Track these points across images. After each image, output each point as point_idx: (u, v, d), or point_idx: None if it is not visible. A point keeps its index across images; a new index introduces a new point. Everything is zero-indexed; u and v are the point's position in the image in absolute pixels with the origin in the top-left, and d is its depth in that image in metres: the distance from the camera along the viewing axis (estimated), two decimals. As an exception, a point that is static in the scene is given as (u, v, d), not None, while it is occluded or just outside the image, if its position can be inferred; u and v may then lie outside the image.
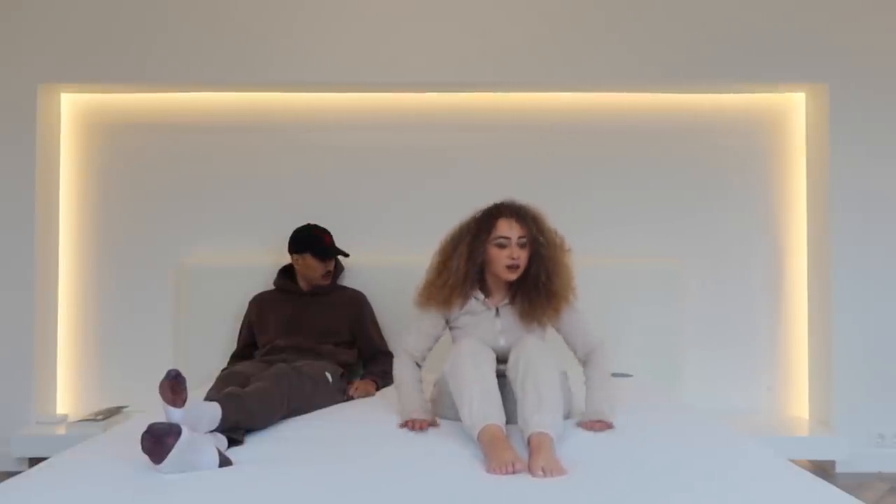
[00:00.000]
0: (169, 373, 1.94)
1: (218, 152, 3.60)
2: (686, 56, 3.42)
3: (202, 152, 3.60)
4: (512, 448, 1.89)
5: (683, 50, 3.42)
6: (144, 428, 1.81)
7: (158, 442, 1.78)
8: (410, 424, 2.25)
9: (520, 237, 2.38)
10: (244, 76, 3.43)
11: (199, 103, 3.59)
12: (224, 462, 1.85)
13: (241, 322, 3.28)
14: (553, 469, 1.78)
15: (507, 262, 2.37)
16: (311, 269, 3.16)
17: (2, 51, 3.41)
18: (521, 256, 2.38)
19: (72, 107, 3.60)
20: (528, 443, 1.92)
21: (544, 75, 3.44)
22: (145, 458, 1.80)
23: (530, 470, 1.80)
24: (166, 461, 1.77)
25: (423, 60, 3.42)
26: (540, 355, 2.19)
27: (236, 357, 3.19)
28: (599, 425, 2.20)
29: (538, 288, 2.39)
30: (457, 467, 1.86)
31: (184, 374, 1.98)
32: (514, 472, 1.78)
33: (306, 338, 3.03)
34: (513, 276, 2.40)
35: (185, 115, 3.60)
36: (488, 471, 1.81)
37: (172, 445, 1.77)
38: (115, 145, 3.59)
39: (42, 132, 3.43)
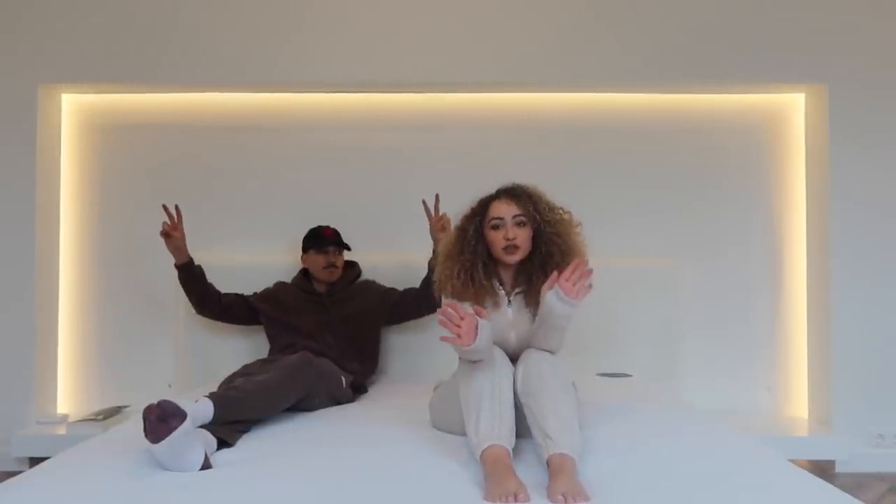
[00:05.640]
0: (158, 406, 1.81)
1: (219, 153, 3.60)
2: (685, 56, 3.42)
3: (204, 153, 3.60)
4: (516, 476, 1.71)
5: (683, 50, 3.42)
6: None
7: (164, 421, 1.74)
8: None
9: (515, 216, 2.22)
10: (245, 77, 3.43)
11: (201, 104, 3.59)
12: (206, 465, 1.82)
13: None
14: (576, 494, 1.62)
15: (503, 244, 2.21)
16: (315, 263, 3.18)
17: (2, 51, 3.42)
18: (520, 235, 2.22)
19: (73, 107, 3.60)
20: (548, 465, 1.76)
21: (544, 75, 3.44)
22: (142, 452, 1.77)
23: (550, 496, 1.64)
24: (164, 443, 1.73)
25: (424, 60, 3.43)
26: (552, 369, 2.03)
27: (224, 295, 3.21)
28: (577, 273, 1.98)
29: (550, 269, 2.15)
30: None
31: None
32: None
33: (332, 346, 2.99)
34: (513, 258, 2.23)
35: (187, 116, 3.60)
36: (486, 499, 1.64)
37: (175, 428, 1.73)
38: (115, 146, 3.60)
39: (43, 133, 3.43)
